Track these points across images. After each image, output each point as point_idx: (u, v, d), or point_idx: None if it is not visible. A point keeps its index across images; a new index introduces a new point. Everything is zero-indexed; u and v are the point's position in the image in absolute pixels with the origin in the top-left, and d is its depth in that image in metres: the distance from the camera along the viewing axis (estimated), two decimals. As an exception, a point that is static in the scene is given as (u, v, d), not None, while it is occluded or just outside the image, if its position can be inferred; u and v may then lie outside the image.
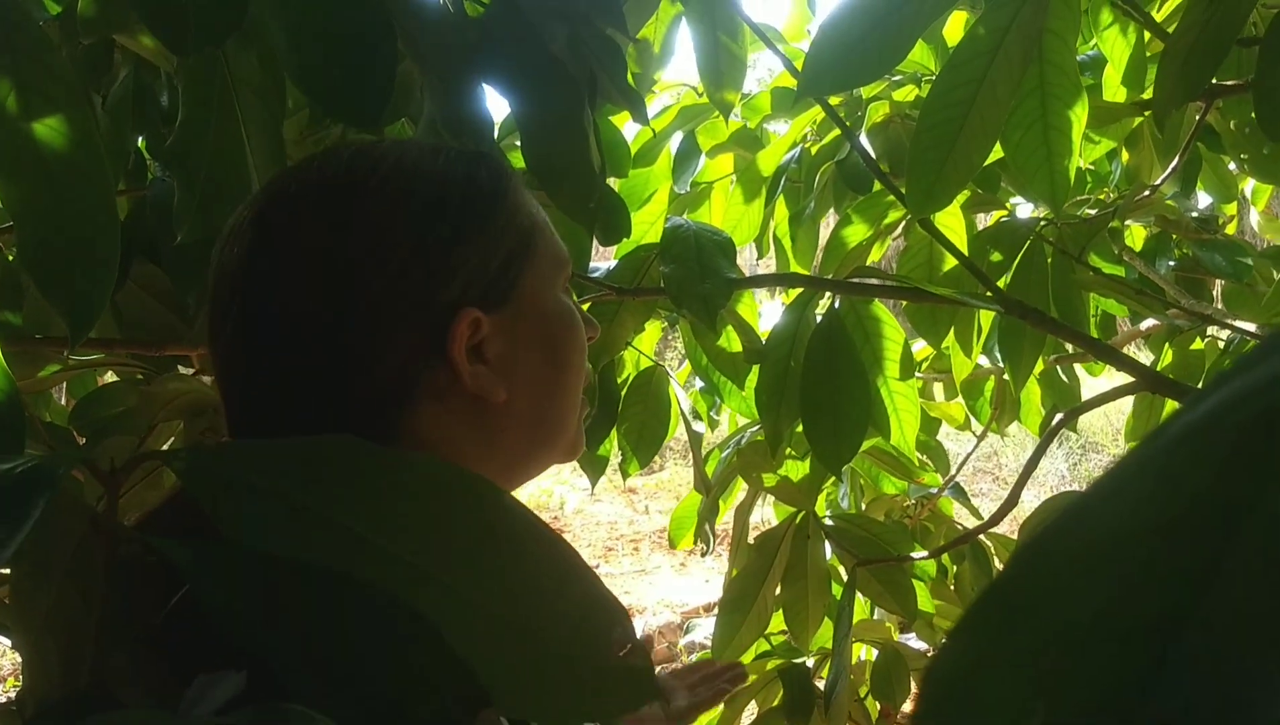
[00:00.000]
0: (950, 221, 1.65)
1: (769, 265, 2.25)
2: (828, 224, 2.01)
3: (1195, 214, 2.13)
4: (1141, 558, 0.20)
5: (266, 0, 0.79)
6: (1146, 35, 1.53)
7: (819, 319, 1.44)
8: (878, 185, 1.96)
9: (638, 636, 0.51)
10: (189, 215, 0.94)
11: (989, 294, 1.34)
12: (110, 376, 1.49)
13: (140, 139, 1.39)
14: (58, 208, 0.70)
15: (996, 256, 1.65)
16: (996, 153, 1.31)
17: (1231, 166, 2.13)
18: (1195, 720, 0.18)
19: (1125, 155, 1.93)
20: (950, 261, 1.73)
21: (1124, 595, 0.20)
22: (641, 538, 7.46)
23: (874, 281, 1.47)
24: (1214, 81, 1.35)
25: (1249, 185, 2.50)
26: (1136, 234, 2.23)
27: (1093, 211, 1.81)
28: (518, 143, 1.30)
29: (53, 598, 0.53)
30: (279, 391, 0.69)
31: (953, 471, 2.27)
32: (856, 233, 1.79)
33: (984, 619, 0.22)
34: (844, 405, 1.40)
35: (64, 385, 1.68)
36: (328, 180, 0.72)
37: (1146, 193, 1.70)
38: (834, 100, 1.89)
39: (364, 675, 0.41)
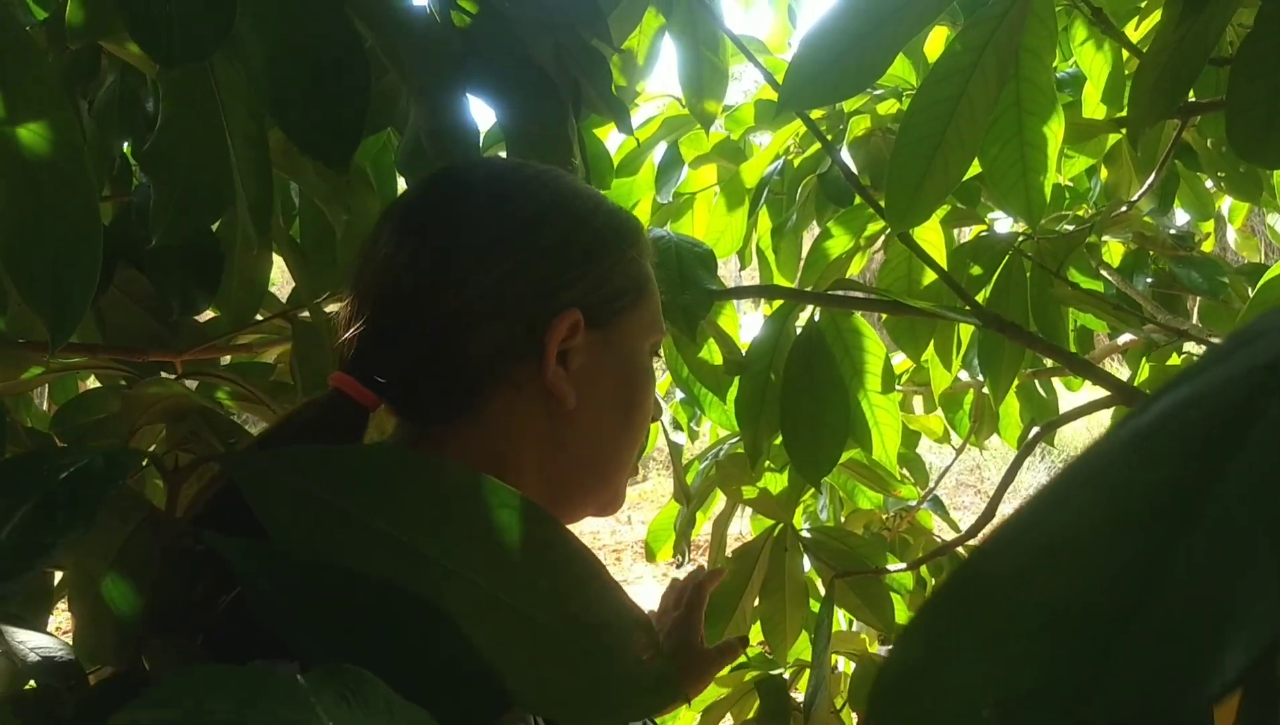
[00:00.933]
0: (929, 236, 1.67)
1: (752, 276, 2.26)
2: (810, 236, 2.02)
3: (1173, 231, 2.15)
4: (1093, 553, 0.21)
5: (248, 15, 0.80)
6: (1125, 53, 1.55)
7: (799, 331, 1.45)
8: (859, 198, 1.97)
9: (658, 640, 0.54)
10: (165, 217, 0.94)
11: (967, 308, 1.36)
12: (94, 382, 1.49)
13: (126, 145, 1.39)
14: (40, 211, 0.70)
15: (976, 270, 1.66)
16: (975, 168, 1.32)
17: (1209, 184, 2.15)
18: (1143, 710, 0.19)
19: (1104, 172, 1.95)
20: (930, 275, 1.74)
21: (1076, 589, 0.21)
22: (624, 548, 7.46)
23: (854, 294, 1.48)
24: (1190, 99, 1.37)
25: (1226, 203, 2.53)
26: (1114, 250, 2.25)
27: (1070, 227, 1.82)
28: (503, 153, 1.30)
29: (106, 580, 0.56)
30: (391, 343, 0.77)
31: (931, 484, 2.29)
32: (837, 245, 1.81)
33: (938, 615, 0.23)
34: (823, 417, 1.41)
35: (46, 390, 1.67)
36: (497, 173, 0.83)
37: (1124, 208, 1.71)
38: (816, 113, 1.90)
39: (396, 674, 0.43)
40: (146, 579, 0.55)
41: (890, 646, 2.13)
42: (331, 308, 1.46)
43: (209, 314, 1.51)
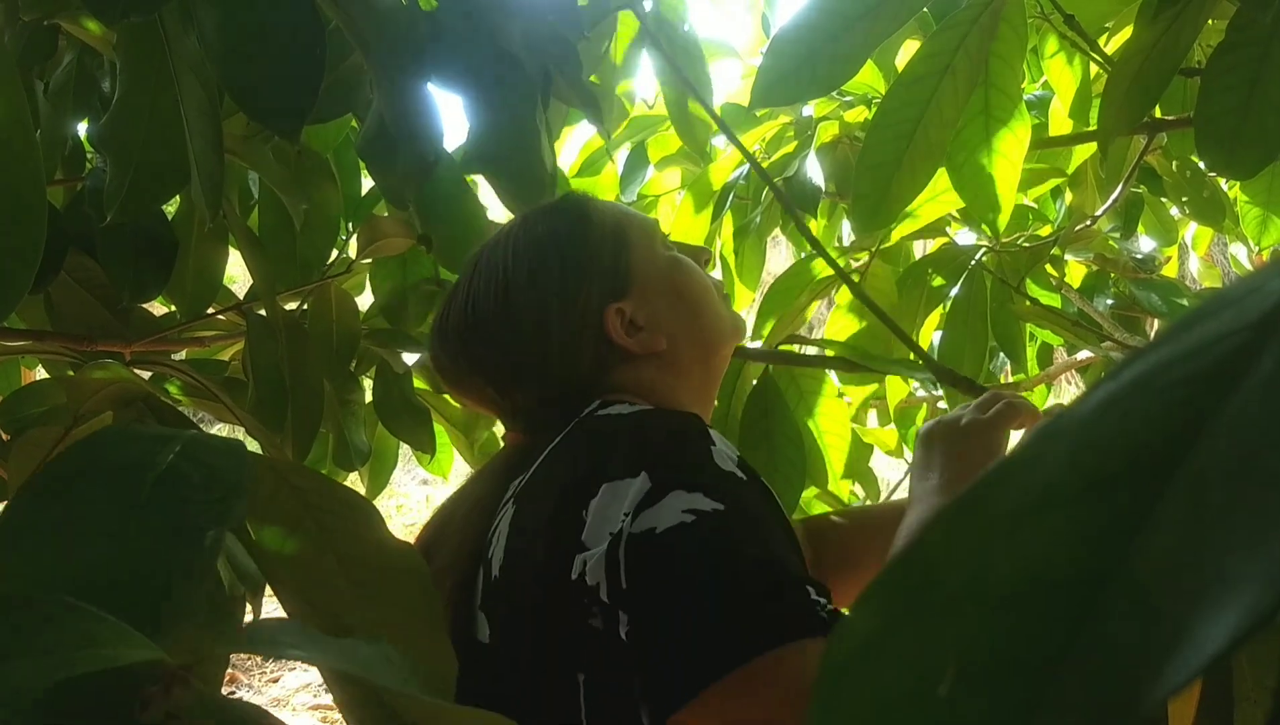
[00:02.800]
0: (881, 286, 1.68)
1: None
2: (774, 241, 2.02)
3: (1137, 255, 2.17)
4: (1064, 518, 0.20)
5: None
6: (1093, 69, 1.55)
7: (754, 381, 1.44)
8: (823, 219, 1.97)
9: None
10: (120, 194, 0.91)
11: (919, 361, 1.34)
12: (43, 373, 1.46)
13: (83, 130, 1.37)
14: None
15: (938, 281, 1.66)
16: (941, 177, 1.32)
17: (1174, 211, 2.17)
18: (1110, 687, 0.18)
19: (1069, 195, 1.96)
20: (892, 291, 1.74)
21: (1045, 555, 0.20)
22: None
23: (809, 353, 1.48)
24: (1158, 116, 1.38)
25: (1190, 230, 2.55)
26: (1076, 271, 2.26)
27: (1031, 245, 1.83)
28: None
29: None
30: (550, 385, 1.00)
31: (884, 497, 2.28)
32: (793, 288, 1.79)
33: (895, 584, 0.22)
34: (780, 466, 1.41)
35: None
36: (500, 265, 1.03)
37: (1087, 223, 1.72)
38: (784, 118, 1.90)
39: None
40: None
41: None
42: (291, 304, 1.44)
43: (163, 309, 1.49)
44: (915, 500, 0.97)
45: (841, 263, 1.90)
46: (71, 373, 1.34)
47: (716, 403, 1.46)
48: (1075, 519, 0.20)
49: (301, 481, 0.54)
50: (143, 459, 0.43)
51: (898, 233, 1.70)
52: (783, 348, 1.49)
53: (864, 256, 1.90)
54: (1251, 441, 0.18)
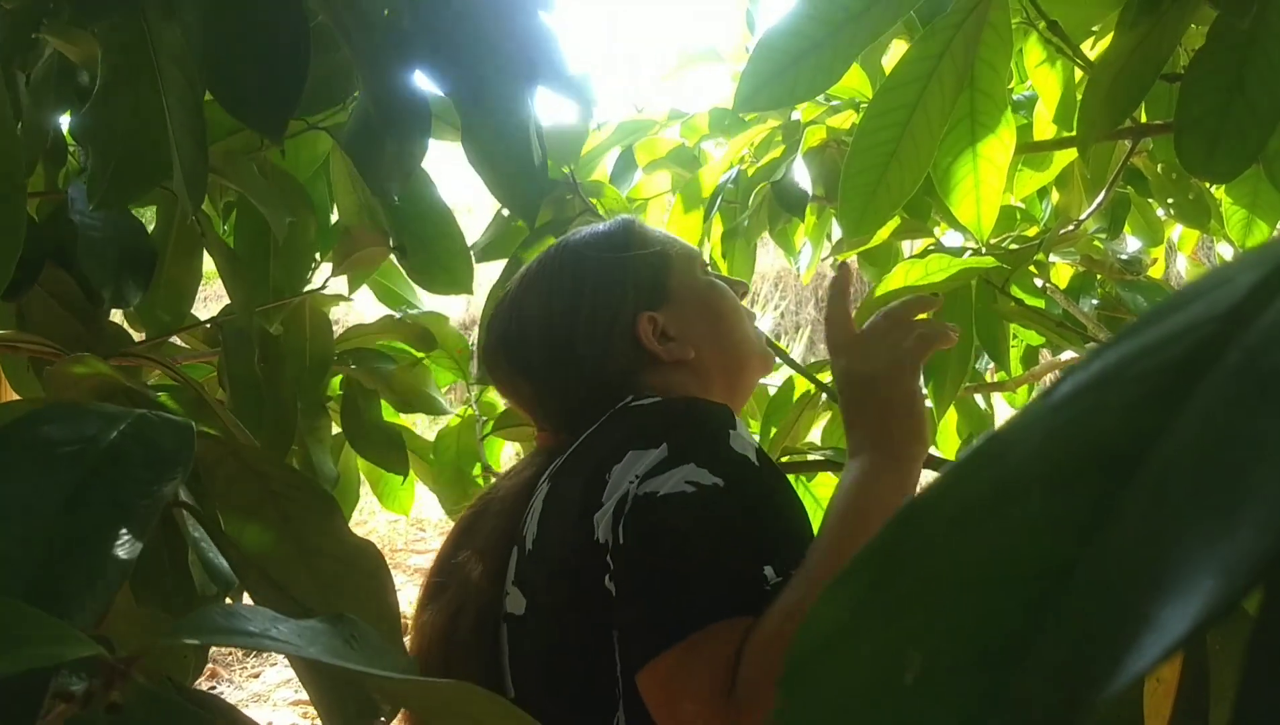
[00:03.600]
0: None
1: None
2: (763, 243, 2.02)
3: (1122, 256, 2.17)
4: (1029, 508, 0.20)
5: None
6: (1078, 74, 1.56)
7: None
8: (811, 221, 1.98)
9: None
10: (103, 184, 0.91)
11: None
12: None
13: (64, 126, 1.36)
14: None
15: (925, 281, 1.66)
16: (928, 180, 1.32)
17: (1160, 212, 2.17)
18: (1074, 675, 0.18)
19: (1055, 195, 1.96)
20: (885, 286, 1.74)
21: (1011, 546, 0.20)
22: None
23: (809, 459, 1.51)
24: (1142, 121, 1.38)
25: (1176, 230, 2.55)
26: (1063, 272, 2.26)
27: (1017, 247, 1.83)
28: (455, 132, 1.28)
29: None
30: (563, 395, 1.10)
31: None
32: (784, 403, 1.79)
33: (861, 575, 0.22)
34: None
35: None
36: (541, 275, 1.15)
37: (1072, 226, 1.73)
38: (772, 122, 1.90)
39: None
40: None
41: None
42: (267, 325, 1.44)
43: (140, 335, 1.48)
44: (850, 455, 0.95)
45: (837, 258, 1.90)
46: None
47: None
48: (1041, 510, 0.20)
49: (265, 468, 0.54)
50: (87, 434, 0.42)
51: (883, 233, 1.70)
52: (784, 460, 1.53)
53: (852, 255, 1.91)
54: (1216, 433, 0.18)
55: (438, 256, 1.43)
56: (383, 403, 1.62)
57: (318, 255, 1.51)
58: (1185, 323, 0.20)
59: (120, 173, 0.91)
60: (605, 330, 1.07)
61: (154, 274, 1.24)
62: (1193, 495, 0.18)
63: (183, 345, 1.46)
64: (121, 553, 0.37)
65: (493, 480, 1.24)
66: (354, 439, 1.57)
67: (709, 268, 1.18)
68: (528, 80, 1.03)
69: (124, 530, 0.38)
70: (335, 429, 1.62)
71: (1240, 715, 0.18)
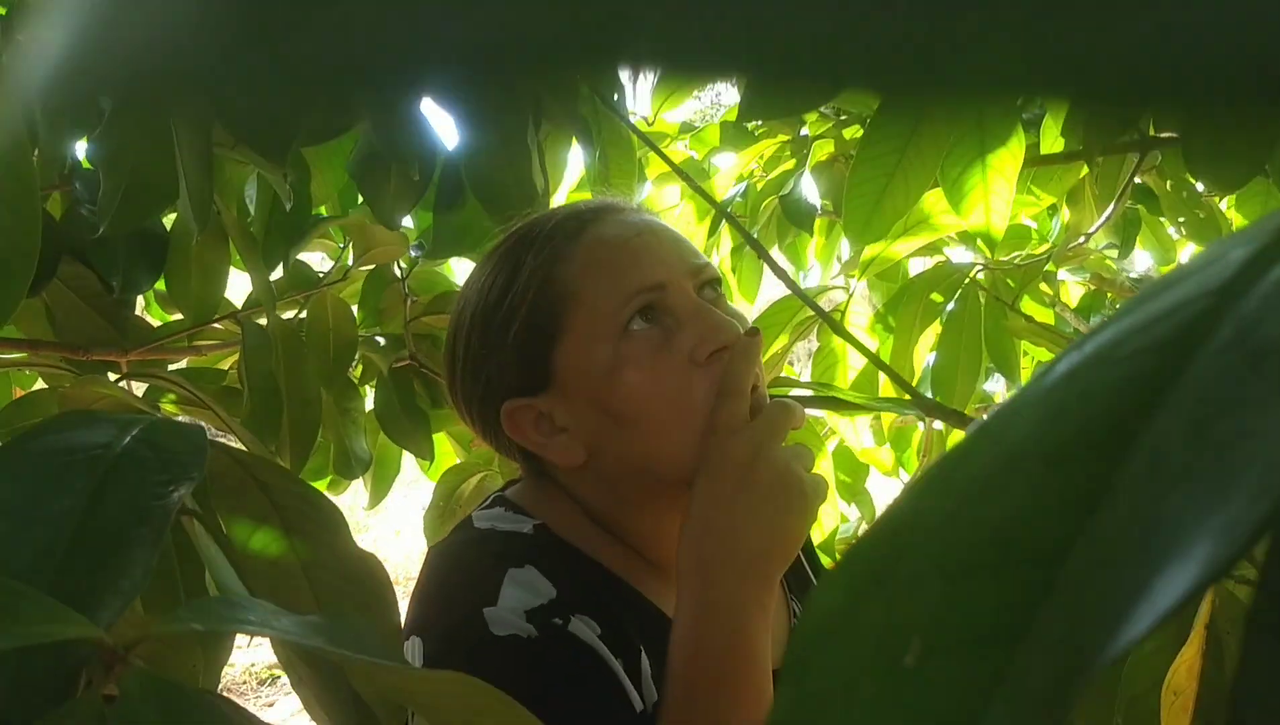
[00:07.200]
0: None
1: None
2: (773, 255, 2.02)
3: (1133, 275, 2.17)
4: (1027, 487, 0.20)
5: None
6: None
7: None
8: (820, 237, 1.98)
9: None
10: (113, 207, 0.92)
11: (907, 397, 1.33)
12: (42, 385, 1.46)
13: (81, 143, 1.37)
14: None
15: (937, 297, 1.66)
16: (936, 195, 1.32)
17: (1171, 231, 2.17)
18: (1072, 653, 0.18)
19: (1065, 213, 1.97)
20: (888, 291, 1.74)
21: (1010, 526, 0.20)
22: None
23: (799, 393, 1.48)
24: (1150, 134, 1.38)
25: (1188, 248, 2.55)
26: (1074, 291, 2.26)
27: (1025, 263, 1.83)
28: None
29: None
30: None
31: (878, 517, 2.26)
32: (775, 326, 1.79)
33: (861, 558, 0.22)
34: None
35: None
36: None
37: (1081, 240, 1.73)
38: (781, 137, 1.90)
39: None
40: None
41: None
42: (289, 313, 1.43)
43: (158, 321, 1.48)
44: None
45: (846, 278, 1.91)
46: (69, 385, 1.34)
47: None
48: (1039, 489, 0.20)
49: (269, 479, 0.54)
50: (102, 441, 0.43)
51: (893, 249, 1.70)
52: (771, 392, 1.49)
53: (859, 275, 1.90)
54: (1210, 405, 0.18)
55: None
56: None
57: (339, 245, 1.51)
58: (1178, 299, 0.20)
59: (129, 197, 0.92)
60: (480, 410, 0.84)
61: (166, 261, 1.24)
62: (1187, 467, 0.18)
63: (218, 328, 1.44)
64: (140, 555, 0.37)
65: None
66: (383, 422, 1.53)
67: (712, 285, 0.84)
68: (533, 111, 1.04)
69: (143, 532, 0.38)
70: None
71: (1239, 687, 0.18)
